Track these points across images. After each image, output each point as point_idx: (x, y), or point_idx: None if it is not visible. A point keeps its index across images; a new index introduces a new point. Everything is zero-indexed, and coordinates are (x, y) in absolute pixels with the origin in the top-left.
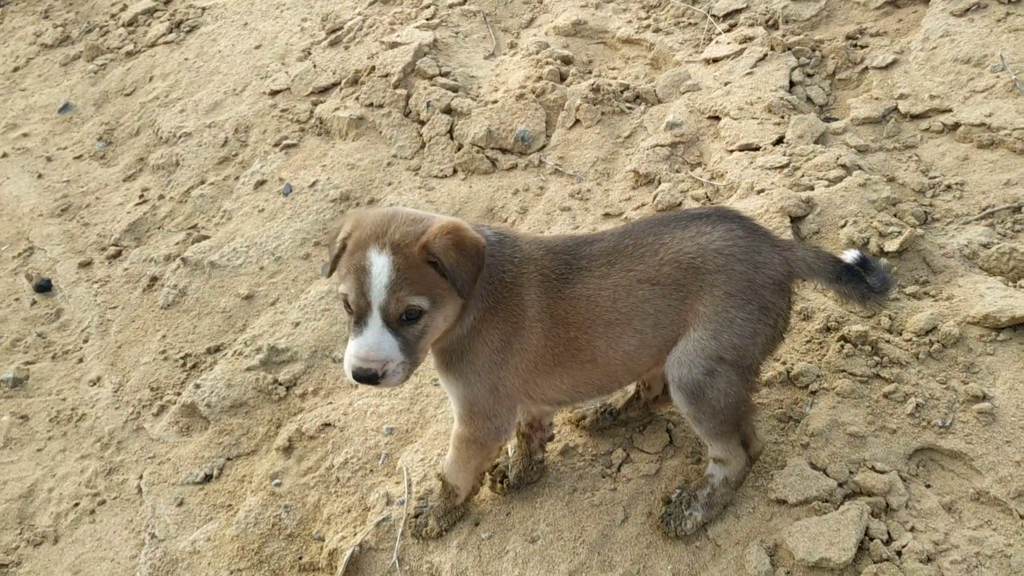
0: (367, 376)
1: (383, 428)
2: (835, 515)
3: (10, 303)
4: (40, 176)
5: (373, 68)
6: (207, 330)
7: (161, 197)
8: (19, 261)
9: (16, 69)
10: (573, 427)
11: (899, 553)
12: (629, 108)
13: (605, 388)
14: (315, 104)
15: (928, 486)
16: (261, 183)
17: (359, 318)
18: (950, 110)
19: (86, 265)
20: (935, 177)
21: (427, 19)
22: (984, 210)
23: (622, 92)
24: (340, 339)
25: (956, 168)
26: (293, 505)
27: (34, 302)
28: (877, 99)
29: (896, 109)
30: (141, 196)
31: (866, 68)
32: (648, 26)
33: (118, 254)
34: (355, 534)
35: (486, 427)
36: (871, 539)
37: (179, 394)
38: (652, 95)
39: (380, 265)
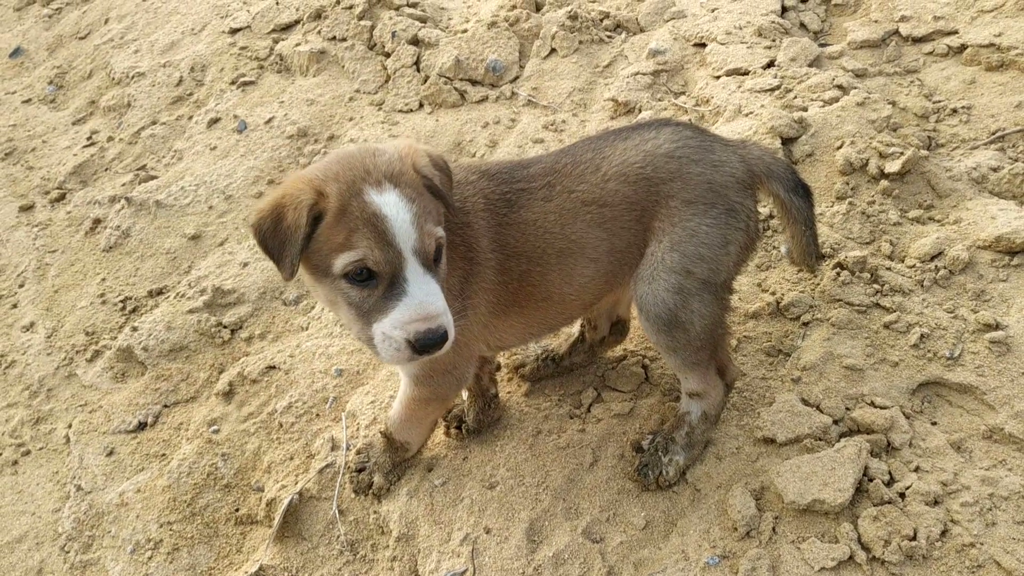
0: (439, 338)
1: (332, 370)
2: (830, 453)
3: None
4: None
5: (337, 2)
6: (150, 272)
7: (110, 139)
8: None
9: None
10: (510, 376)
11: (902, 495)
12: (609, 37)
13: (557, 326)
14: (276, 41)
15: (934, 423)
16: (215, 121)
17: (392, 279)
18: (956, 31)
19: (27, 209)
20: (939, 101)
21: None
22: (994, 134)
23: (601, 20)
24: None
25: (962, 92)
26: (231, 453)
27: None
28: (876, 22)
29: (897, 32)
30: (89, 139)
31: None
32: None
33: (61, 197)
34: (296, 483)
35: (446, 381)
36: (870, 480)
37: (115, 339)
38: (634, 23)
39: (394, 203)
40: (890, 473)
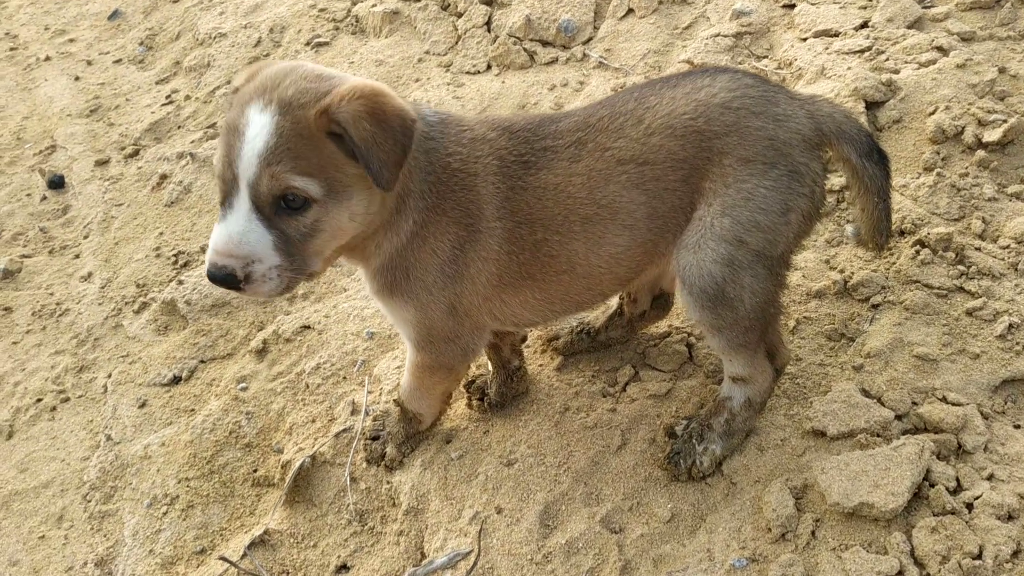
0: (223, 277)
1: (364, 332)
2: (886, 451)
3: (21, 198)
4: (77, 79)
5: None
6: (205, 228)
7: (187, 98)
8: (39, 158)
9: None
10: (543, 348)
11: (969, 506)
12: None
13: (586, 303)
14: (354, 3)
15: (1017, 426)
16: None
17: (224, 198)
18: None
19: (103, 164)
20: None
21: None
22: None
23: None
24: None
25: None
26: (256, 412)
27: (44, 198)
28: None
29: None
30: (168, 97)
31: None
32: None
33: (135, 153)
34: (314, 446)
35: (449, 350)
36: (932, 485)
37: (163, 292)
38: None
39: (257, 127)
40: (957, 479)
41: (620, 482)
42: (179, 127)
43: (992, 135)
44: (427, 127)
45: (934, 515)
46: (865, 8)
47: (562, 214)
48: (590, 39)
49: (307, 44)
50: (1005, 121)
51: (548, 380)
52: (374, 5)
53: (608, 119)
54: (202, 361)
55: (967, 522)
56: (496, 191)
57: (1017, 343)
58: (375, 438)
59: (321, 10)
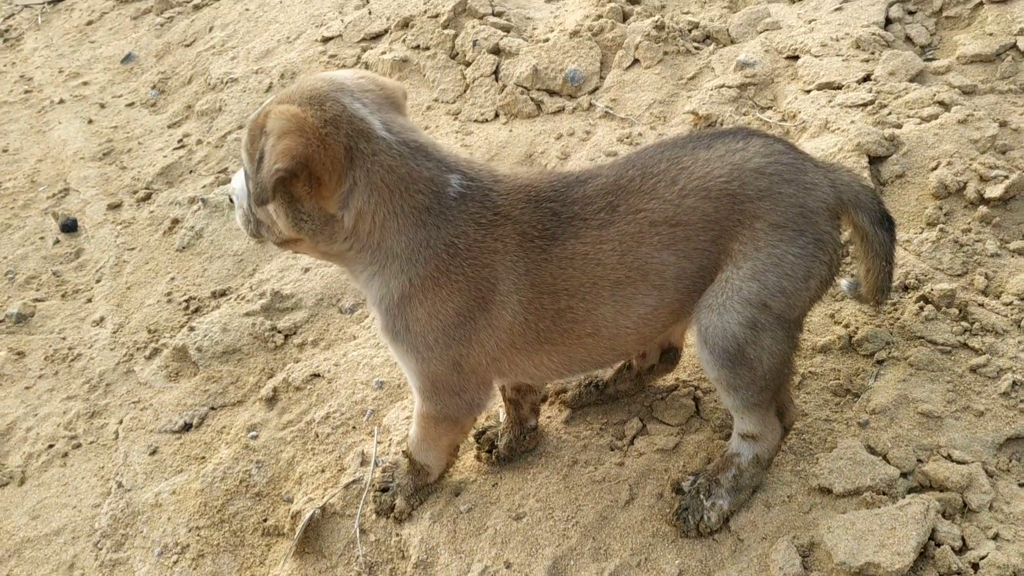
0: (229, 193)
1: (373, 381)
2: (891, 510)
3: (34, 241)
4: (90, 122)
5: (426, 11)
6: (216, 273)
7: (199, 142)
8: (52, 201)
9: (90, 23)
10: (552, 400)
11: (975, 566)
12: (697, 48)
13: (607, 362)
14: (364, 50)
15: (1022, 485)
16: None
17: None
18: None
19: (115, 207)
20: None
21: None
22: None
23: (690, 31)
24: (349, 288)
25: None
26: (266, 461)
27: (57, 241)
28: (991, 35)
29: (1015, 46)
30: (180, 141)
31: (981, 2)
32: None
33: (148, 197)
34: (323, 497)
35: (454, 403)
36: (938, 545)
37: (174, 338)
38: (724, 34)
39: (250, 122)
40: (963, 539)
41: (628, 537)
42: (191, 171)
43: (994, 191)
44: (436, 202)
45: (940, 575)
46: (868, 61)
47: (590, 280)
48: (596, 89)
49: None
50: (1007, 177)
51: (556, 433)
52: (384, 52)
53: (640, 180)
54: (212, 408)
55: None
56: (513, 268)
57: (1021, 400)
58: (384, 489)
59: (332, 56)
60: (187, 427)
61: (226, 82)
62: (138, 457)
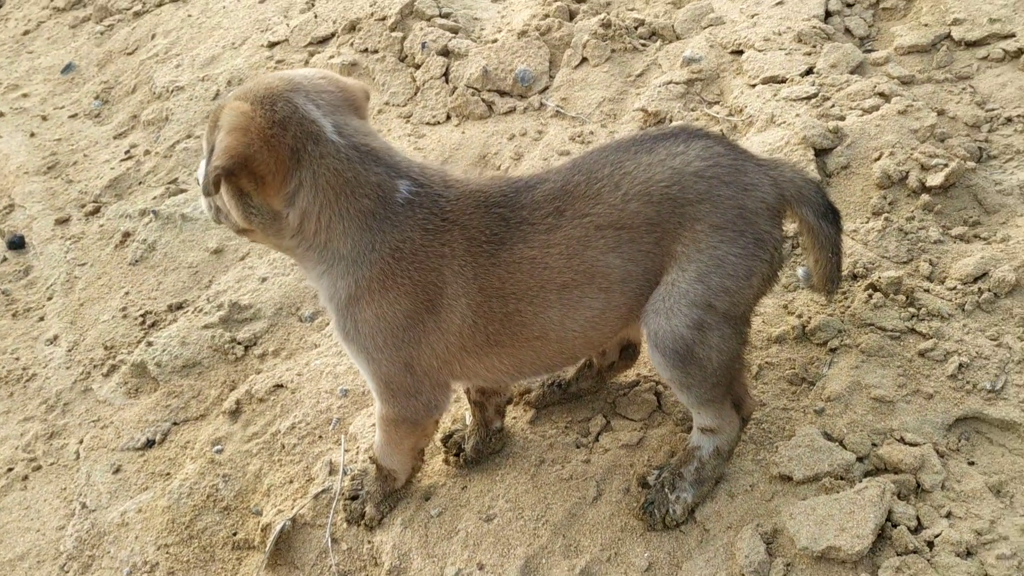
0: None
1: (338, 390)
2: (849, 494)
3: None
4: (33, 135)
5: (372, 14)
6: (172, 287)
7: (147, 153)
8: None
9: (26, 32)
10: (516, 401)
11: (930, 544)
12: (643, 45)
13: (557, 365)
14: (311, 54)
15: (972, 463)
16: None
17: None
18: (1013, 35)
19: (63, 222)
20: (993, 110)
21: None
22: None
23: (636, 28)
24: (308, 296)
25: (1019, 99)
26: (232, 474)
27: (4, 259)
28: (927, 26)
29: (949, 36)
30: (127, 152)
31: None
32: None
33: (96, 211)
34: (293, 508)
35: (412, 405)
36: (895, 525)
37: (131, 353)
38: (670, 31)
39: (212, 112)
40: (918, 518)
41: (597, 533)
42: (140, 183)
43: (935, 179)
44: (382, 206)
45: (897, 555)
46: (810, 54)
47: (538, 284)
48: (546, 88)
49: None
50: (946, 165)
51: (522, 433)
52: (332, 57)
53: (585, 185)
54: (175, 423)
55: (929, 560)
56: (460, 272)
57: (968, 382)
58: (354, 497)
59: (279, 61)
60: (150, 444)
61: (172, 90)
62: (101, 476)
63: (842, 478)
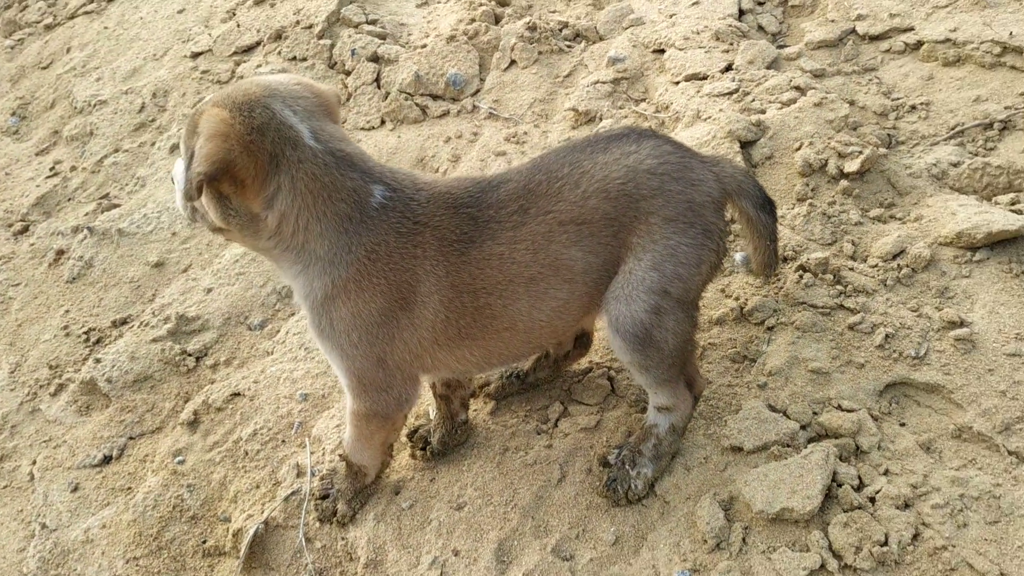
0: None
1: (297, 394)
2: (797, 459)
3: None
4: None
5: (297, 22)
6: (113, 302)
7: (73, 169)
8: None
9: None
10: (476, 393)
11: (872, 500)
12: (568, 47)
13: (523, 354)
14: (238, 64)
15: (903, 424)
16: (177, 147)
17: None
18: (912, 28)
19: None
20: (898, 99)
21: None
22: (953, 129)
23: (560, 30)
24: (256, 304)
25: (920, 88)
26: (197, 484)
27: None
28: (833, 21)
29: (854, 31)
30: (52, 169)
31: None
32: None
33: (25, 230)
34: (263, 512)
35: (383, 399)
36: (839, 485)
37: (79, 371)
38: (593, 32)
39: (189, 117)
40: (859, 477)
41: (565, 512)
42: (69, 199)
43: (851, 166)
44: (358, 211)
45: (844, 511)
46: (728, 51)
47: (506, 278)
48: (478, 91)
49: (194, 107)
50: (861, 152)
51: (485, 424)
52: (259, 66)
53: (547, 184)
54: (131, 438)
55: (872, 514)
56: (432, 270)
57: (894, 351)
58: (325, 496)
59: (204, 72)
60: (107, 460)
61: (94, 104)
62: (59, 496)
63: (788, 445)
